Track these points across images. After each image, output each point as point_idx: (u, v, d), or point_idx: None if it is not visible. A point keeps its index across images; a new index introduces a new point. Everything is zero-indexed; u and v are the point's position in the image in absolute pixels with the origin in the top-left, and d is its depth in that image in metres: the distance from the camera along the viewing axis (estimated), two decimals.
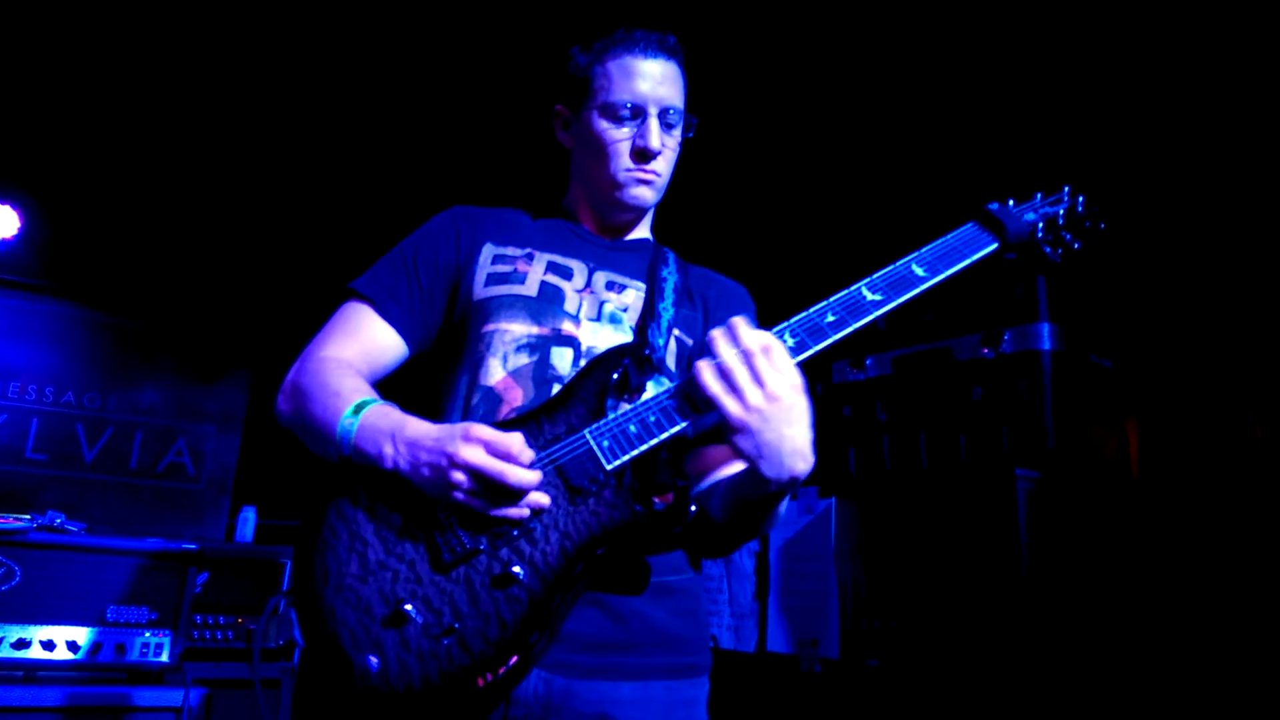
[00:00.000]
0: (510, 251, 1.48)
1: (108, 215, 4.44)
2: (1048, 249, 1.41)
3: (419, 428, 1.24)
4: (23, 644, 2.21)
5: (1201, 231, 2.35)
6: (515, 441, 1.19)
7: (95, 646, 2.28)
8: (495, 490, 1.19)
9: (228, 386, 4.64)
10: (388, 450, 1.23)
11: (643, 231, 1.61)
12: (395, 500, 1.26)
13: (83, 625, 2.28)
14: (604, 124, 1.47)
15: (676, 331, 1.45)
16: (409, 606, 1.19)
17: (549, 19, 2.99)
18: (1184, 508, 2.15)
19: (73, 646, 2.25)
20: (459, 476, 1.18)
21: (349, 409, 1.28)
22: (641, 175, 1.48)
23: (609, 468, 1.24)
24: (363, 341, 1.43)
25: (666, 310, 1.45)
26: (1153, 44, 2.43)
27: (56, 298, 4.35)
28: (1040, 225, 1.39)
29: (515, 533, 1.22)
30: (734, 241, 3.05)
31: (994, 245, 1.34)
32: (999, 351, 2.26)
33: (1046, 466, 2.12)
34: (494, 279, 1.44)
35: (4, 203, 4.26)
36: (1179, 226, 2.38)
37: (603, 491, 1.24)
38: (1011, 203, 1.41)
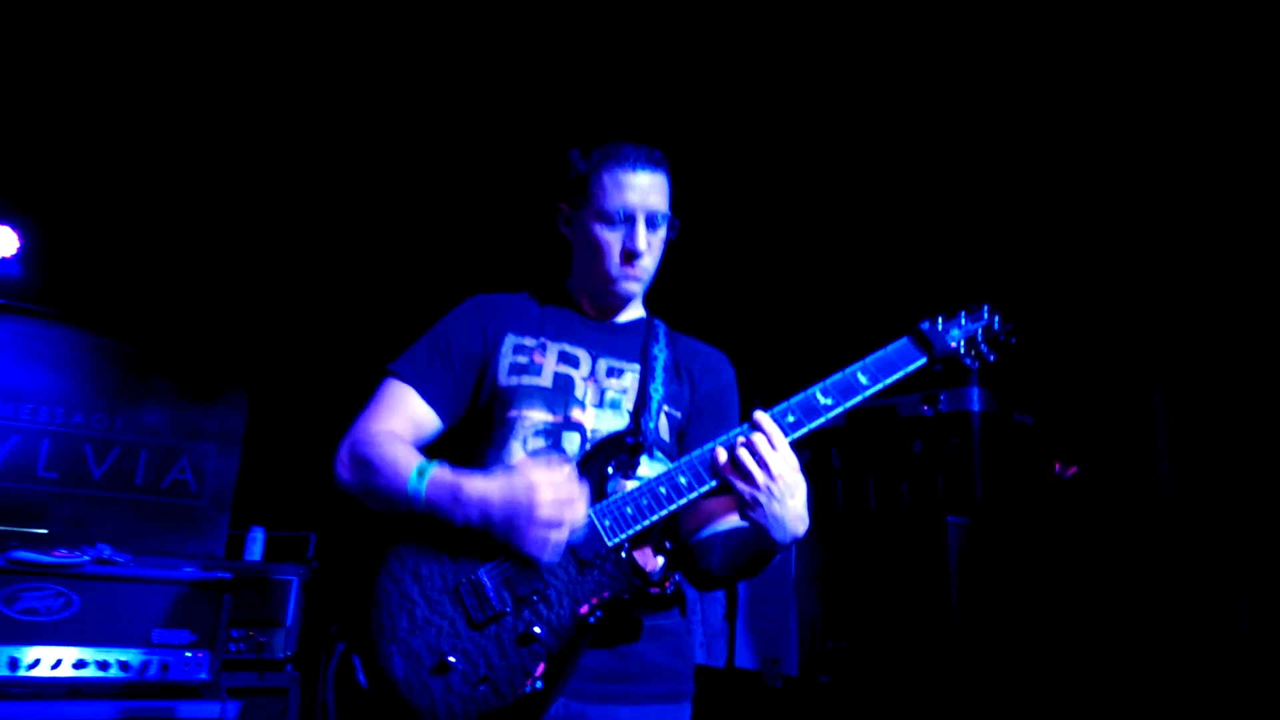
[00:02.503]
0: (527, 342, 1.74)
1: (105, 236, 4.63)
2: (967, 360, 1.66)
3: (475, 482, 1.52)
4: (81, 664, 2.50)
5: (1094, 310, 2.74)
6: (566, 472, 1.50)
7: (143, 666, 2.58)
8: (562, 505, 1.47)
9: (226, 407, 4.89)
10: (455, 508, 1.51)
11: (636, 309, 1.88)
12: (434, 567, 1.53)
13: (132, 647, 2.58)
14: (598, 227, 1.73)
15: (667, 408, 1.73)
16: (451, 658, 1.47)
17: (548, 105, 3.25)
18: (1086, 546, 2.54)
19: (124, 666, 2.55)
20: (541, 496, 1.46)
21: (413, 473, 1.53)
22: (629, 272, 1.74)
23: (609, 544, 1.52)
24: (407, 417, 1.69)
25: (657, 391, 1.72)
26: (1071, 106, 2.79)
27: (63, 323, 4.58)
28: (962, 342, 1.66)
29: (535, 598, 1.50)
30: (717, 309, 3.33)
31: (923, 360, 1.62)
32: (936, 410, 2.63)
33: (974, 513, 2.51)
34: (515, 369, 1.71)
35: (3, 223, 4.48)
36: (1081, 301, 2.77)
37: (604, 564, 1.52)
38: (941, 320, 1.66)
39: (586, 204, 1.74)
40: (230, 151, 4.26)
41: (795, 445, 1.54)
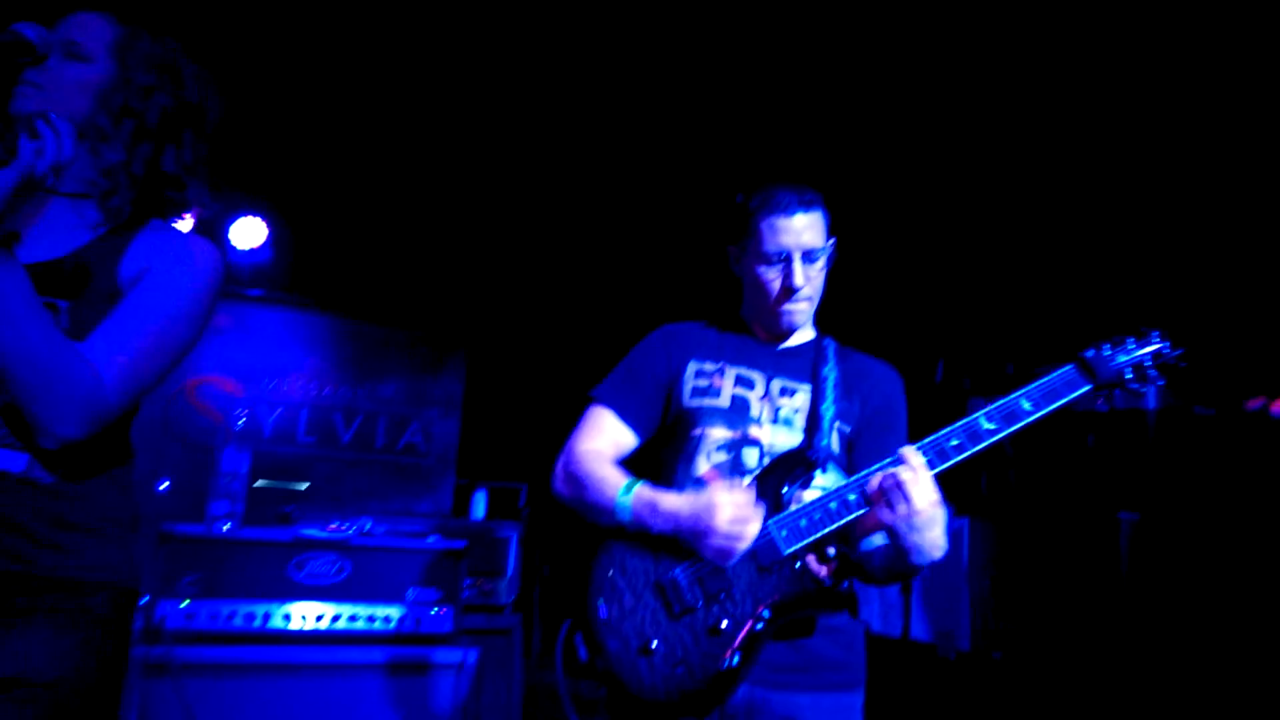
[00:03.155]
0: (708, 367, 1.95)
1: (339, 224, 5.26)
2: (1135, 385, 1.69)
3: (670, 498, 1.76)
4: (354, 619, 3.06)
5: None
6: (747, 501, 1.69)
7: (401, 619, 3.12)
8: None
9: (447, 377, 5.51)
10: (653, 519, 1.77)
11: (807, 331, 2.03)
12: (639, 564, 1.77)
13: (393, 604, 3.12)
14: (760, 268, 1.91)
15: (838, 424, 1.88)
16: (654, 643, 1.71)
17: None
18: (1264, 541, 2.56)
19: (386, 620, 3.09)
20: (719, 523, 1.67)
21: (620, 490, 1.79)
22: (791, 306, 1.91)
23: (785, 552, 1.71)
24: (609, 436, 1.96)
25: (828, 409, 1.87)
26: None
27: (314, 309, 5.29)
28: (1129, 369, 1.69)
29: (722, 596, 1.71)
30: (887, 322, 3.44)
31: (1087, 387, 1.67)
32: (1111, 405, 2.68)
33: (1147, 508, 2.58)
34: (697, 392, 1.93)
35: (254, 214, 5.18)
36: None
37: (783, 569, 1.72)
38: (1108, 347, 1.69)
39: (749, 247, 1.92)
40: (445, 143, 4.72)
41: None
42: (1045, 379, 1.68)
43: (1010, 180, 3.37)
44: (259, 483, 5.14)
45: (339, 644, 3.02)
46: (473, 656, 3.13)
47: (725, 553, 1.68)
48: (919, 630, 3.13)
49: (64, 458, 1.47)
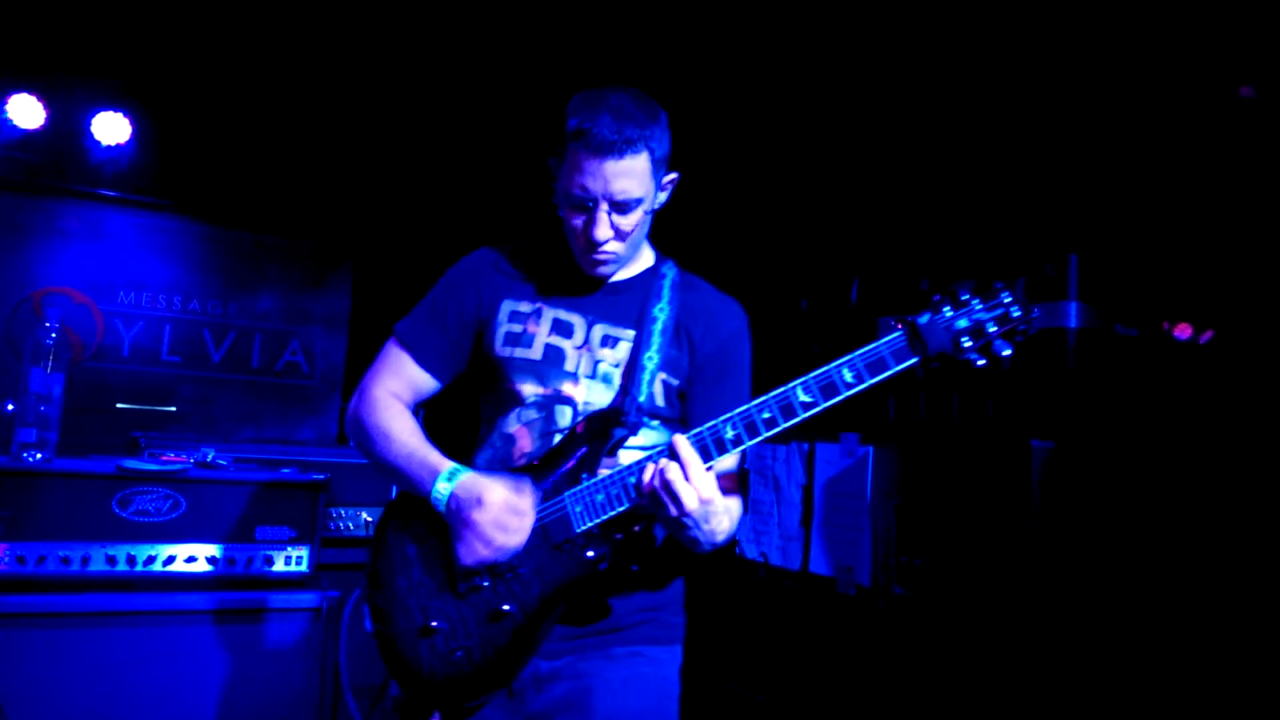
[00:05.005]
0: (523, 308, 1.75)
1: (211, 123, 4.73)
2: (970, 356, 1.47)
3: (466, 478, 1.61)
4: (191, 559, 2.71)
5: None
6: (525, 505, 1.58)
7: (248, 560, 2.78)
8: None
9: (331, 291, 5.08)
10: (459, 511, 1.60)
11: (644, 258, 1.80)
12: (430, 535, 1.64)
13: (238, 543, 2.77)
14: (565, 208, 1.67)
15: (663, 375, 1.69)
16: (435, 622, 1.59)
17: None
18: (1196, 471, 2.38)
19: (229, 561, 2.75)
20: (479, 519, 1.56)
21: (442, 475, 1.62)
22: (596, 257, 1.68)
23: (578, 530, 1.57)
24: (406, 380, 1.78)
25: (651, 359, 1.67)
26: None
27: (177, 214, 4.77)
28: (967, 337, 1.46)
29: (509, 575, 1.59)
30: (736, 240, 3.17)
31: (914, 360, 1.47)
32: (1029, 324, 2.44)
33: (1062, 435, 2.37)
34: (508, 339, 1.73)
35: (117, 110, 4.62)
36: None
37: (574, 548, 1.58)
38: (947, 309, 1.47)
39: (560, 173, 1.66)
40: (329, 36, 4.22)
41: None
42: (871, 346, 1.47)
43: (924, 87, 3.09)
44: (120, 405, 4.69)
45: (172, 589, 2.68)
46: (329, 601, 2.81)
47: (474, 552, 1.57)
48: (819, 564, 2.92)
49: None
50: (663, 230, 1.85)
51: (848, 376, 1.48)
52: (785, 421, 1.49)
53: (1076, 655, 2.28)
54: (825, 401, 1.48)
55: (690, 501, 1.46)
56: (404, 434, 1.69)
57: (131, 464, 2.67)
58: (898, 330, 1.48)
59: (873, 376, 1.47)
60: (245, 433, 4.80)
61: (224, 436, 4.63)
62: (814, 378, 1.49)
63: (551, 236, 1.81)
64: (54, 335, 2.72)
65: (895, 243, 3.15)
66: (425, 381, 1.78)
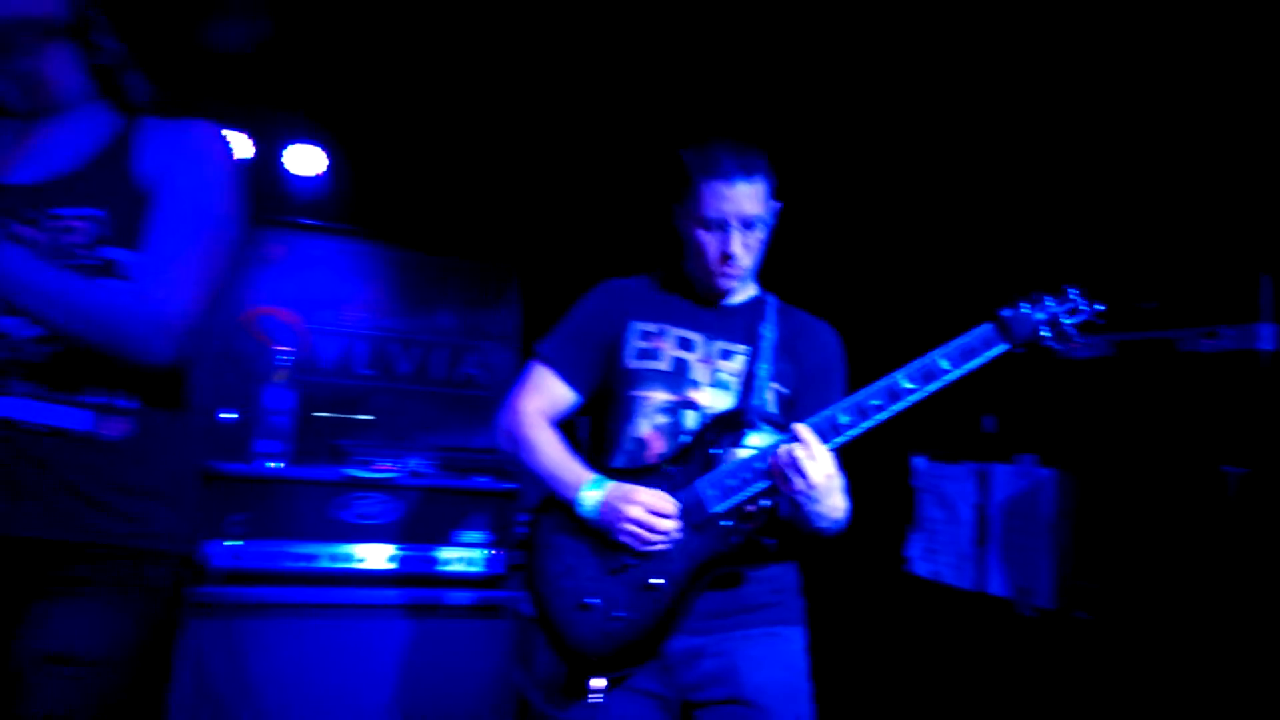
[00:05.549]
0: (649, 328, 1.98)
1: (393, 155, 5.12)
2: (1053, 344, 1.72)
3: (611, 487, 1.81)
4: (402, 560, 2.99)
5: None
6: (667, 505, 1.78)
7: (449, 561, 3.04)
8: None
9: (503, 308, 5.41)
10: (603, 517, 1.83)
11: (749, 288, 2.06)
12: (578, 530, 1.83)
13: (444, 545, 3.04)
14: (699, 231, 1.92)
15: (774, 384, 1.93)
16: (589, 599, 1.80)
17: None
18: None
19: (437, 562, 3.02)
20: (627, 527, 1.77)
21: (588, 483, 1.83)
22: (727, 271, 1.93)
23: (710, 511, 1.79)
24: (550, 396, 1.99)
25: (763, 369, 1.92)
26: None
27: (366, 238, 5.19)
28: (1044, 327, 1.72)
29: (655, 554, 1.79)
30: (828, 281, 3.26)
31: (1004, 347, 1.71)
32: (1219, 347, 2.40)
33: (1257, 463, 2.31)
34: (638, 354, 1.95)
35: (313, 144, 5.06)
36: None
37: (712, 526, 1.80)
38: (1025, 306, 1.72)
39: (688, 209, 1.93)
40: (492, 80, 4.50)
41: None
42: (962, 337, 1.72)
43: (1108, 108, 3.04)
44: (320, 413, 5.13)
45: (386, 585, 2.96)
46: (519, 599, 3.04)
47: (635, 545, 1.78)
48: (995, 584, 2.93)
49: (134, 413, 1.48)
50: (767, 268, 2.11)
51: (944, 364, 1.70)
52: (891, 405, 1.70)
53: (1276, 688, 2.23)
54: (925, 386, 1.70)
55: (816, 475, 1.67)
56: (550, 446, 1.92)
57: (354, 472, 2.97)
58: (985, 324, 1.71)
59: (965, 362, 1.70)
60: (429, 440, 5.15)
61: (412, 444, 4.99)
62: (915, 366, 1.71)
63: (666, 270, 2.08)
64: (287, 356, 3.06)
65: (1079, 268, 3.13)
66: (567, 396, 1.99)
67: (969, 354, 1.70)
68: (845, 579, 3.32)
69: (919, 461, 3.26)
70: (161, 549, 1.48)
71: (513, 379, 2.04)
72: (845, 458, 1.79)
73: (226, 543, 2.78)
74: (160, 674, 1.52)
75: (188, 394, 1.59)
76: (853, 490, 1.85)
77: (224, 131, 1.66)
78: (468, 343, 5.34)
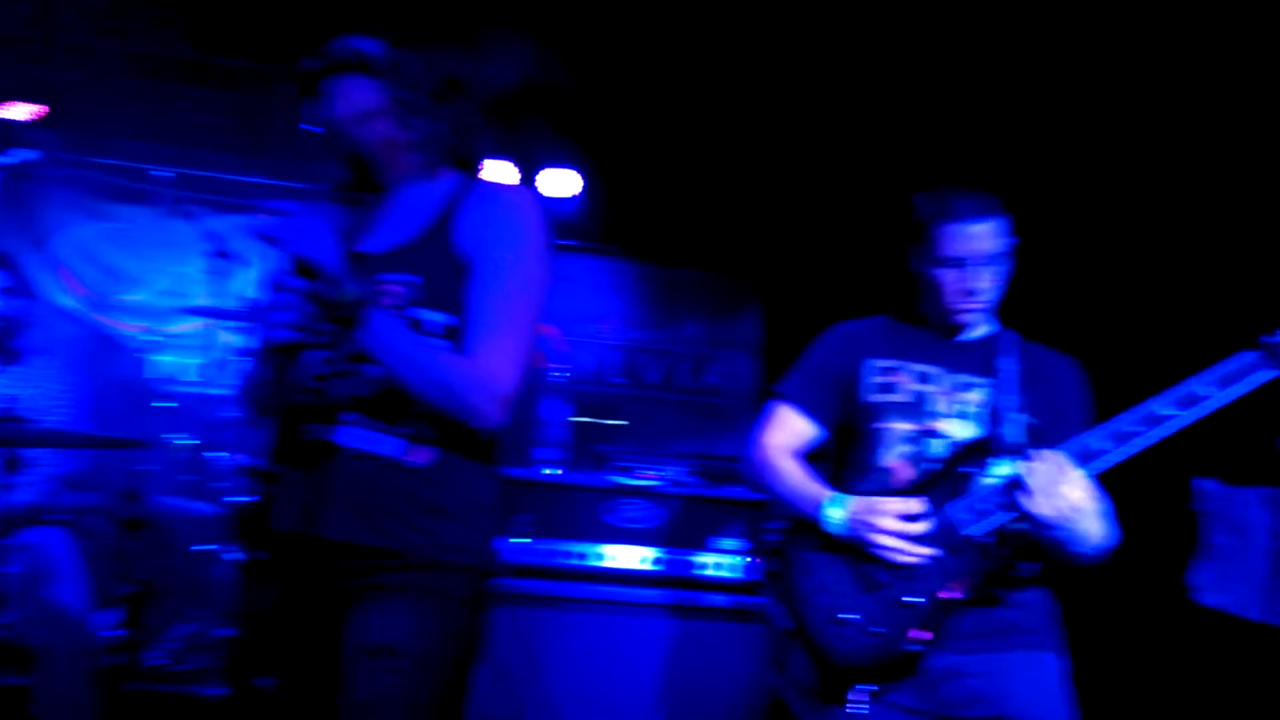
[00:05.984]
0: (886, 364, 2.03)
1: (647, 178, 5.38)
2: None
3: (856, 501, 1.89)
4: (660, 561, 3.18)
5: None
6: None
7: (705, 565, 3.20)
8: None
9: (744, 319, 5.55)
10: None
11: (986, 324, 2.06)
12: (828, 547, 1.89)
13: (703, 551, 3.20)
14: (939, 270, 1.97)
15: (1021, 414, 1.93)
16: (849, 614, 1.85)
17: None
18: None
19: (694, 565, 3.18)
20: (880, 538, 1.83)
21: (829, 501, 1.90)
22: (969, 306, 1.97)
23: (962, 534, 1.82)
24: (792, 431, 2.09)
25: (1009, 400, 1.94)
26: None
27: (618, 256, 5.48)
28: None
29: (909, 573, 1.83)
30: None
31: (1275, 374, 1.64)
32: None
33: None
34: (877, 388, 2.01)
35: (569, 167, 5.40)
36: None
37: (966, 549, 1.82)
38: None
39: (929, 250, 1.98)
40: (743, 85, 4.64)
41: None
42: (1221, 364, 1.68)
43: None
44: (576, 418, 5.47)
45: (649, 585, 3.16)
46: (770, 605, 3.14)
47: (891, 558, 1.83)
48: None
49: (438, 442, 1.64)
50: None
51: (1202, 391, 1.67)
52: (1149, 431, 1.69)
53: None
54: (1183, 412, 1.67)
55: (1069, 498, 1.68)
56: (793, 473, 2.01)
57: (621, 480, 3.19)
58: (1247, 351, 1.65)
59: (1227, 388, 1.65)
60: (676, 445, 5.36)
61: (661, 449, 5.22)
62: (1173, 392, 1.68)
63: (898, 312, 2.13)
64: (562, 373, 3.33)
65: None
66: (809, 430, 2.08)
67: (1229, 380, 1.66)
68: (1121, 607, 3.16)
69: (1207, 484, 3.05)
70: (458, 562, 1.64)
71: (752, 387, 2.15)
72: (1116, 483, 1.79)
73: (513, 540, 3.07)
74: (464, 676, 1.66)
75: (488, 433, 1.71)
76: (1124, 516, 1.84)
77: (530, 193, 1.79)
78: (711, 352, 5.53)
